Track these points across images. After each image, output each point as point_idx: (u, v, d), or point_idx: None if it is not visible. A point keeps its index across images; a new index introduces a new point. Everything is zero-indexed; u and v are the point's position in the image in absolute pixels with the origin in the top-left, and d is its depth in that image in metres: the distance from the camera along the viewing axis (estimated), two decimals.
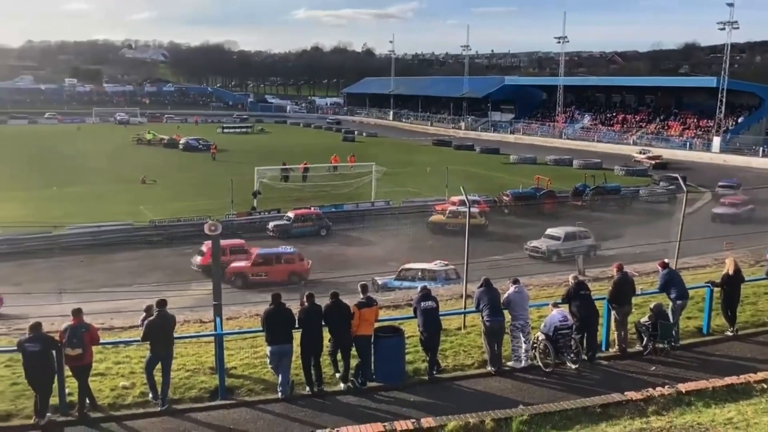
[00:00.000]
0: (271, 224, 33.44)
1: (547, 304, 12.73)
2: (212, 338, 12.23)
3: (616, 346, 12.69)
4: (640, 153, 62.69)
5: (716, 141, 66.77)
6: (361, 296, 11.66)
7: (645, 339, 12.60)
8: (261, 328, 11.35)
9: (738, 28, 66.90)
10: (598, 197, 40.43)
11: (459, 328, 14.01)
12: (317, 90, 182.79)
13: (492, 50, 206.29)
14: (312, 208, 35.60)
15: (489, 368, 11.92)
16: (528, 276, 21.32)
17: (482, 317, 12.00)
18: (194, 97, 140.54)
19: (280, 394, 10.93)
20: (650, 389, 10.14)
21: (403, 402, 10.80)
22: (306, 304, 11.42)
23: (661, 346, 12.52)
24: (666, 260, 13.81)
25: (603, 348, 12.78)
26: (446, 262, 24.35)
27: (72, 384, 10.46)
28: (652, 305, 12.77)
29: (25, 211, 34.38)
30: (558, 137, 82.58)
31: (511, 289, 12.24)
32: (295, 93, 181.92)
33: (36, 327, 10.11)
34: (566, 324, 11.85)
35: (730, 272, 13.45)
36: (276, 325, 11.00)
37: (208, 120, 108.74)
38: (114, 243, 30.70)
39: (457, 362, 12.25)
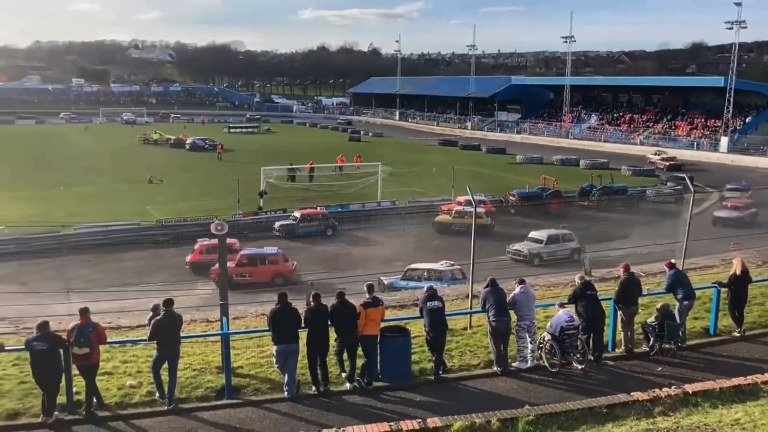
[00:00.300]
0: (277, 224, 33.50)
1: (554, 304, 12.72)
2: (219, 338, 12.28)
3: (623, 347, 12.66)
4: (655, 154, 61.90)
5: (724, 141, 66.47)
6: (367, 296, 11.69)
7: (651, 339, 12.57)
8: (267, 328, 11.37)
9: (746, 27, 66.59)
10: (605, 197, 40.31)
11: (465, 328, 14.01)
12: (323, 90, 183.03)
13: (498, 50, 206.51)
14: (318, 208, 35.62)
15: (495, 368, 11.91)
16: (534, 276, 21.30)
17: (488, 317, 12.00)
18: (201, 97, 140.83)
19: (286, 393, 10.95)
20: (657, 390, 10.13)
21: (409, 402, 10.80)
22: (312, 303, 11.46)
23: (667, 346, 12.48)
24: (673, 260, 13.78)
25: (609, 348, 12.75)
26: (452, 262, 24.33)
27: (79, 383, 10.50)
28: (658, 305, 12.73)
29: (33, 211, 34.55)
30: (565, 137, 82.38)
31: (517, 289, 12.23)
32: (302, 93, 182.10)
33: (44, 326, 10.18)
34: (572, 324, 11.83)
35: (738, 273, 13.41)
36: (282, 324, 11.03)
37: (214, 120, 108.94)
38: (121, 242, 30.81)
39: (463, 362, 12.24)
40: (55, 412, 10.12)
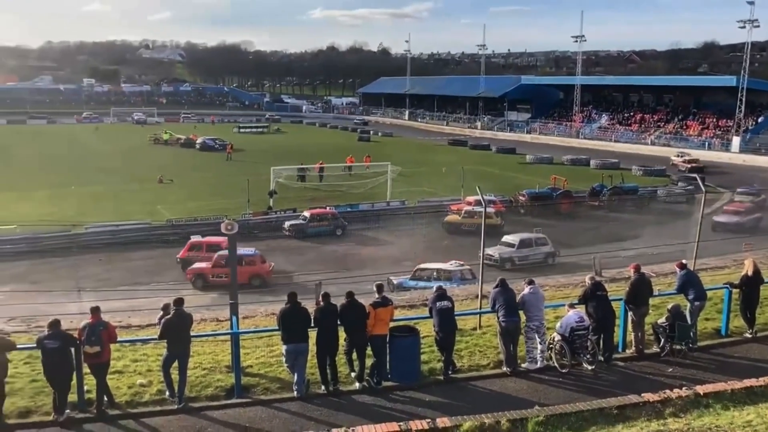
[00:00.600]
0: (287, 224, 33.57)
1: (564, 305, 12.68)
2: (229, 337, 12.31)
3: (633, 348, 12.60)
4: (678, 156, 60.42)
5: (736, 141, 65.99)
6: (377, 296, 11.69)
7: (662, 340, 12.50)
8: (277, 327, 11.40)
9: (759, 26, 66.09)
10: (616, 197, 40.12)
11: (474, 329, 13.99)
12: (333, 90, 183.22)
13: (508, 50, 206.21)
14: (328, 208, 35.67)
15: (504, 369, 11.89)
16: (544, 276, 21.24)
17: (498, 317, 11.97)
18: (211, 97, 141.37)
19: (295, 392, 10.97)
20: (667, 391, 10.07)
21: (418, 402, 10.79)
22: (322, 303, 11.48)
23: (678, 347, 12.41)
24: (684, 261, 13.70)
25: (620, 349, 12.69)
26: (462, 263, 24.29)
27: (90, 381, 10.57)
28: (669, 306, 12.65)
29: (44, 210, 34.79)
30: (575, 137, 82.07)
31: (526, 289, 12.20)
32: (311, 93, 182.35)
33: (55, 324, 10.25)
34: (583, 325, 11.78)
35: (749, 273, 13.30)
36: (292, 324, 11.05)
37: (224, 120, 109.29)
38: (132, 242, 30.96)
39: (472, 362, 12.22)
40: (67, 410, 10.19)
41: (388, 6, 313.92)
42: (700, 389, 10.06)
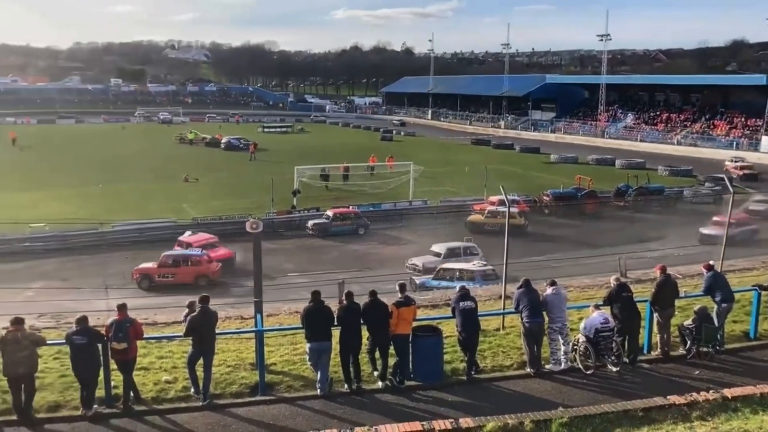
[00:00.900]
0: (310, 223, 33.72)
1: (588, 306, 12.58)
2: (253, 334, 12.41)
3: (659, 349, 12.47)
4: (731, 161, 56.98)
5: (765, 140, 64.79)
6: (399, 295, 11.70)
7: (688, 342, 12.35)
8: (300, 326, 11.47)
9: None
10: (641, 198, 39.66)
11: (498, 329, 13.94)
12: (356, 89, 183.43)
13: (533, 49, 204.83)
14: (350, 207, 35.78)
15: (528, 369, 11.84)
16: (568, 277, 21.08)
17: (521, 318, 11.92)
18: (235, 97, 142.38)
19: (318, 391, 11.03)
20: (694, 393, 9.94)
21: (441, 402, 10.79)
22: (345, 302, 11.52)
23: (705, 350, 12.26)
24: (711, 262, 13.50)
25: (645, 351, 12.57)
26: (485, 263, 24.21)
27: (117, 377, 10.73)
28: (696, 308, 12.51)
29: (73, 208, 35.33)
30: (600, 136, 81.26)
31: (549, 290, 12.13)
32: (334, 92, 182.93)
33: (83, 320, 10.42)
34: (607, 326, 11.69)
35: None
36: (315, 322, 11.11)
37: (249, 119, 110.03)
38: (158, 240, 31.21)
39: (495, 363, 12.19)
40: (95, 405, 10.36)
41: (412, 5, 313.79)
42: (728, 392, 9.91)
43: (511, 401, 10.62)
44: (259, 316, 12.18)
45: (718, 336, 12.44)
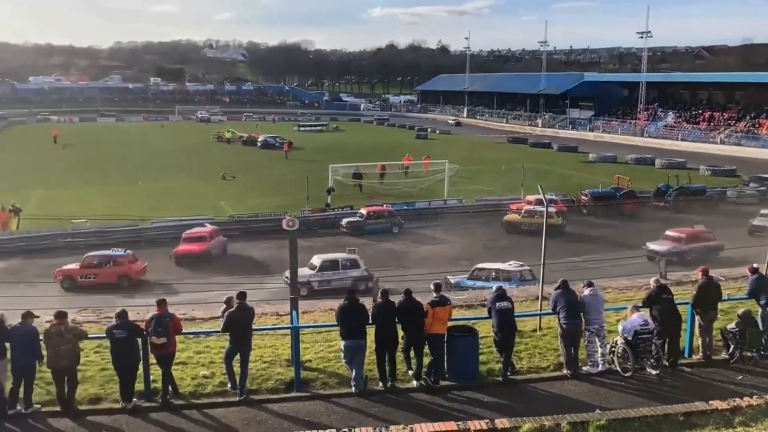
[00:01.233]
0: (344, 221, 33.83)
1: (626, 308, 12.37)
2: (288, 331, 12.50)
3: (700, 353, 12.22)
4: None
5: None
6: (434, 295, 11.66)
7: (731, 346, 12.06)
8: (336, 323, 11.52)
9: None
10: (682, 198, 38.82)
11: (534, 330, 13.81)
12: (391, 88, 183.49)
13: (570, 46, 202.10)
14: (384, 206, 35.78)
15: (565, 371, 11.69)
16: (606, 278, 20.75)
17: (559, 319, 11.78)
18: (272, 96, 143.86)
19: (353, 388, 11.07)
20: (737, 399, 9.72)
21: (476, 402, 10.72)
22: (380, 300, 11.53)
23: (749, 354, 11.96)
24: (755, 265, 13.18)
25: (686, 354, 12.33)
26: (521, 263, 23.97)
27: (156, 371, 10.92)
28: (740, 311, 12.22)
29: (113, 205, 36.02)
30: (639, 135, 79.82)
31: (586, 291, 11.96)
32: (369, 91, 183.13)
33: (123, 314, 10.64)
34: (647, 328, 11.49)
35: None
36: (350, 320, 11.15)
37: (285, 118, 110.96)
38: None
39: (532, 364, 12.07)
40: (134, 399, 10.56)
41: (448, 3, 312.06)
42: None
43: (547, 403, 10.50)
44: (294, 312, 12.26)
45: (763, 340, 12.12)
